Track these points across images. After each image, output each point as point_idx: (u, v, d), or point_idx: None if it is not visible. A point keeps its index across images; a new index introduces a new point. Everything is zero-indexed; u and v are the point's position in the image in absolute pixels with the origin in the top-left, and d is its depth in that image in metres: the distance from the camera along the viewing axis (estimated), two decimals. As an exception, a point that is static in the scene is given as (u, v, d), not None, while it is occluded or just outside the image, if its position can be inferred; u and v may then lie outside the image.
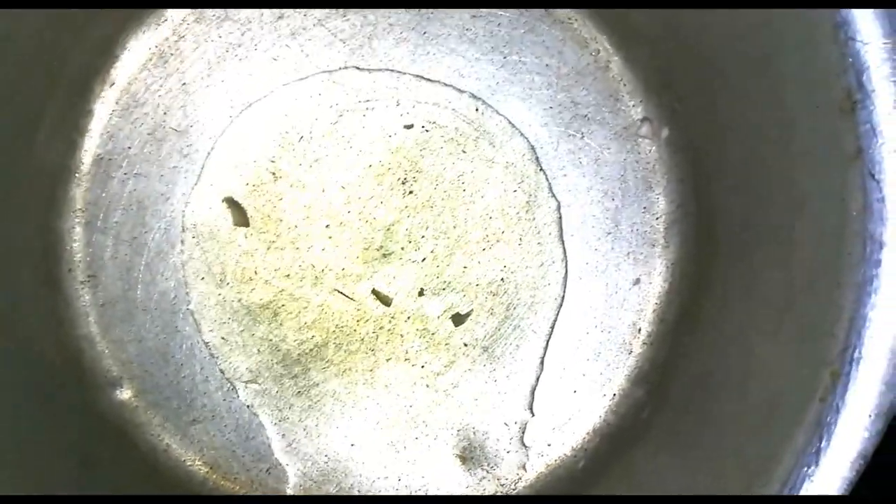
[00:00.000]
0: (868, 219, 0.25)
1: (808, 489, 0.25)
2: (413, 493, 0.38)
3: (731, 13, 0.33)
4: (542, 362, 0.39)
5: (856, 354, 0.24)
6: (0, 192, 0.35)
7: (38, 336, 0.36)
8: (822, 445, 0.24)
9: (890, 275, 0.25)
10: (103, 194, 0.38)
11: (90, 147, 0.38)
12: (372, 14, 0.39)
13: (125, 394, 0.37)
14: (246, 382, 0.38)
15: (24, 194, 0.36)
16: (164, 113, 0.38)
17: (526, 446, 0.39)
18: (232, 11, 0.38)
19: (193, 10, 0.38)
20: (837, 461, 0.24)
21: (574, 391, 0.39)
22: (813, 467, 0.25)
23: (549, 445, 0.39)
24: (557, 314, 0.39)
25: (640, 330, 0.39)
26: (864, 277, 0.25)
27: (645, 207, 0.39)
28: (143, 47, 0.38)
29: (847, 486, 0.24)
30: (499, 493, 0.38)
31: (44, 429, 0.33)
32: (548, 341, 0.39)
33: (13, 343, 0.34)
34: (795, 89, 0.29)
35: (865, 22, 0.25)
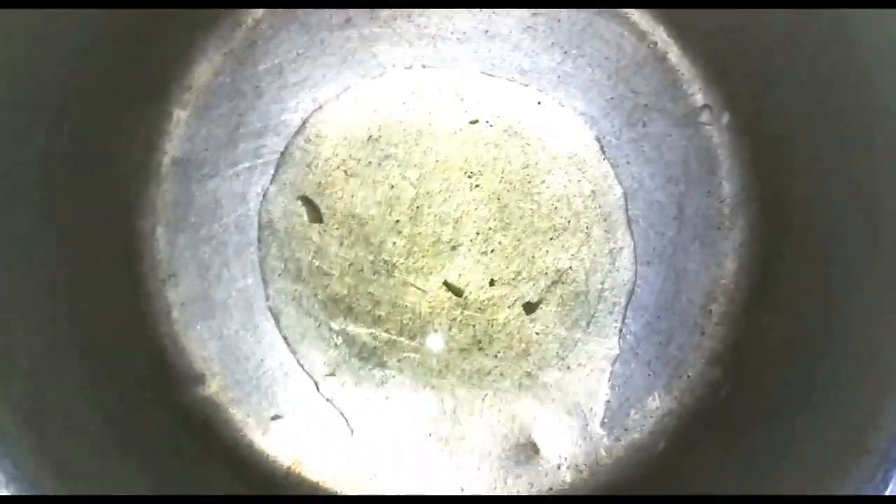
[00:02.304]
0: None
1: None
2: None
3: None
4: (615, 347, 0.39)
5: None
6: (83, 194, 0.36)
7: (123, 335, 0.37)
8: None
9: None
10: (182, 195, 0.39)
11: (169, 149, 0.39)
12: (436, 15, 0.40)
13: (208, 390, 0.38)
14: (324, 376, 0.38)
15: (106, 196, 0.37)
16: (239, 115, 0.39)
17: (603, 432, 0.39)
18: (303, 17, 0.39)
19: (266, 15, 0.39)
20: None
21: (649, 374, 0.39)
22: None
23: (626, 430, 0.39)
24: (629, 300, 0.40)
25: (710, 311, 0.39)
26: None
27: (709, 191, 0.40)
28: (217, 52, 0.39)
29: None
30: (577, 481, 0.38)
31: (138, 424, 0.34)
32: (620, 327, 0.40)
33: (100, 342, 0.35)
34: (872, 61, 0.30)
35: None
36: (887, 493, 0.25)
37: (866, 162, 0.32)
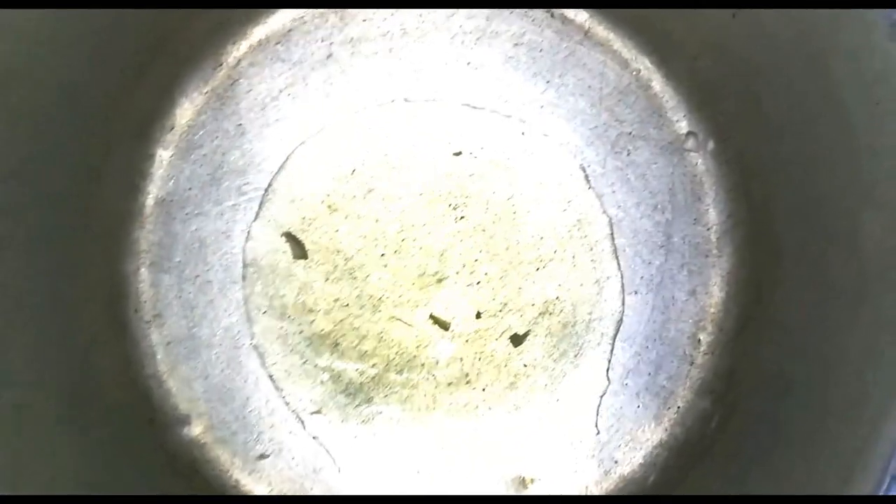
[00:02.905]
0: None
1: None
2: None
3: (777, 22, 0.34)
4: (603, 379, 0.39)
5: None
6: (67, 236, 0.36)
7: (107, 378, 0.37)
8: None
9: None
10: (166, 235, 0.39)
11: (152, 190, 0.39)
12: (418, 48, 0.40)
13: (194, 430, 0.37)
14: (311, 414, 0.38)
15: (89, 238, 0.37)
16: (222, 154, 0.39)
17: (592, 464, 0.38)
18: (284, 54, 0.39)
19: (247, 53, 0.39)
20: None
21: (638, 406, 0.39)
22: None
23: (616, 462, 0.38)
24: (616, 330, 0.39)
25: (699, 340, 0.39)
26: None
27: (695, 219, 0.40)
28: (199, 91, 0.39)
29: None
30: (570, 514, 0.38)
31: (122, 471, 0.34)
32: (609, 357, 0.39)
33: (87, 387, 0.35)
34: (853, 89, 0.30)
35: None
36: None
37: (854, 189, 0.32)
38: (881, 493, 0.26)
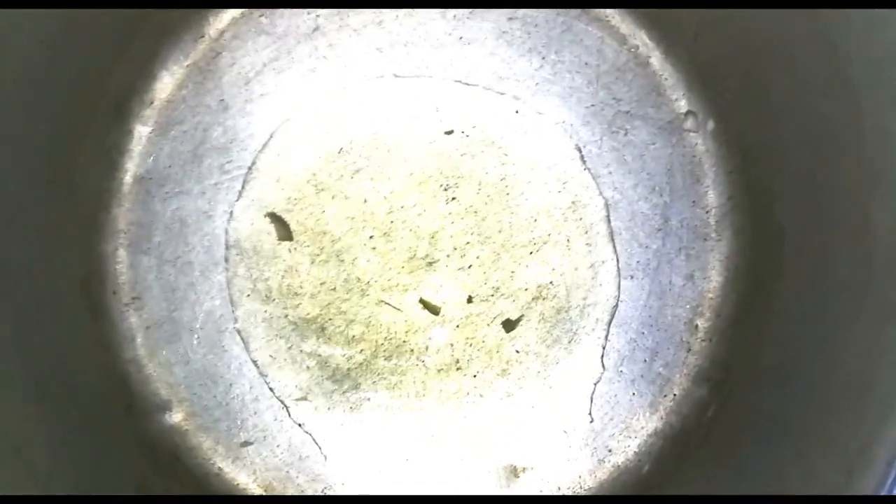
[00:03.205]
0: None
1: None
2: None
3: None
4: (598, 365, 0.38)
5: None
6: (42, 215, 0.34)
7: (85, 363, 0.35)
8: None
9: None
10: (145, 214, 0.37)
11: (131, 167, 0.37)
12: (408, 20, 0.39)
13: (175, 417, 0.36)
14: (296, 400, 0.37)
15: (65, 217, 0.36)
16: (204, 130, 0.38)
17: (586, 453, 0.37)
18: (268, 26, 0.38)
19: (230, 25, 0.37)
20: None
21: (633, 393, 0.38)
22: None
23: (610, 451, 0.37)
24: (612, 315, 0.38)
25: (697, 327, 0.38)
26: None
27: (694, 201, 0.39)
28: (180, 65, 0.38)
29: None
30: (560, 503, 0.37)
31: (98, 458, 0.33)
32: (603, 344, 0.38)
33: (61, 371, 0.34)
34: (862, 69, 0.28)
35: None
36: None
37: (862, 174, 0.31)
38: (884, 493, 0.25)
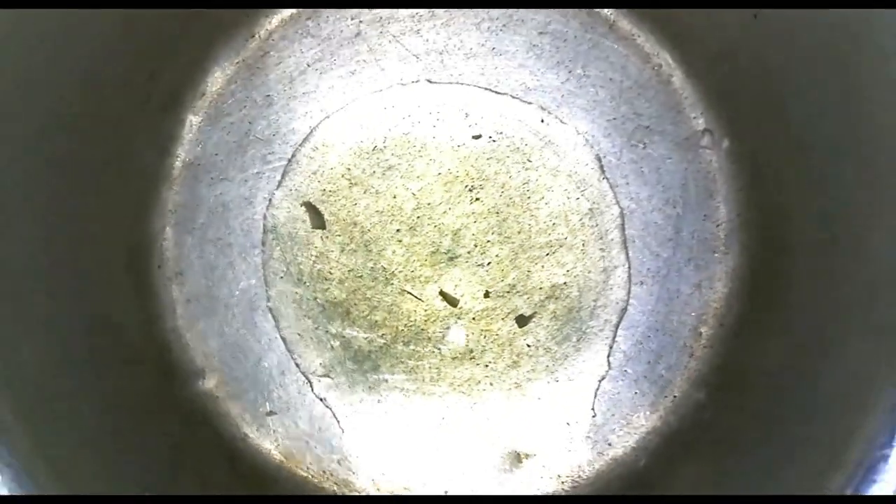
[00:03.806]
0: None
1: (876, 488, 0.25)
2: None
3: (801, 22, 0.34)
4: (604, 364, 0.40)
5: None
6: (99, 194, 0.38)
7: (130, 329, 0.38)
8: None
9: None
10: (192, 197, 0.40)
11: (181, 153, 0.40)
12: (444, 31, 0.41)
13: (208, 384, 0.39)
14: (319, 377, 0.40)
15: (120, 197, 0.39)
16: (250, 122, 0.41)
17: (587, 445, 0.40)
18: (314, 29, 0.41)
19: (279, 26, 0.40)
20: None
21: (635, 392, 0.40)
22: (882, 463, 0.25)
23: (609, 445, 0.40)
24: (620, 318, 0.41)
25: (700, 334, 0.40)
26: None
27: (706, 215, 0.41)
28: (231, 62, 0.41)
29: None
30: (559, 491, 0.39)
31: (138, 417, 0.36)
32: (610, 344, 0.40)
33: (108, 335, 0.37)
34: (876, 95, 0.30)
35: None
36: None
37: (864, 196, 0.32)
38: (850, 493, 0.27)
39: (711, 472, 0.36)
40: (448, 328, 0.40)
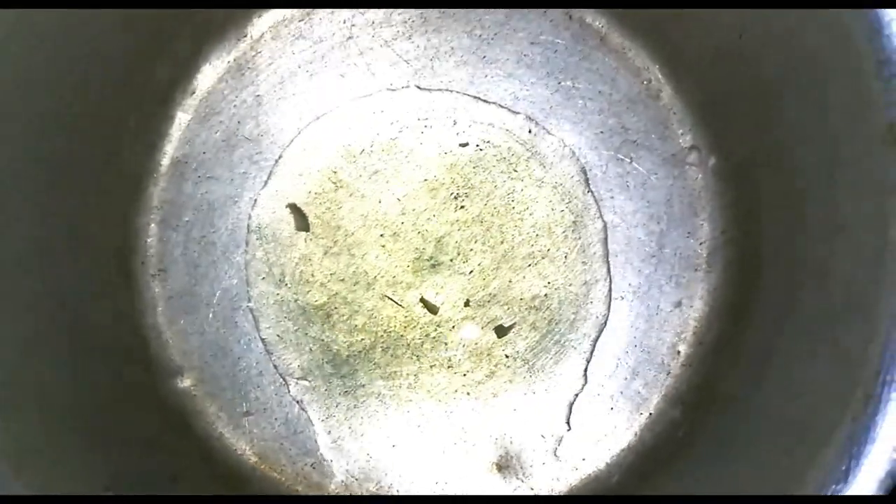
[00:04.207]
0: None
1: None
2: (448, 495, 0.40)
3: (782, 46, 0.34)
4: (581, 378, 0.40)
5: (888, 378, 0.25)
6: (85, 189, 0.38)
7: (109, 323, 0.39)
8: (852, 464, 0.25)
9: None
10: (178, 194, 0.41)
11: (169, 150, 0.41)
12: (436, 37, 0.41)
13: (185, 382, 0.40)
14: (297, 379, 0.40)
15: (106, 192, 0.39)
16: (238, 122, 0.41)
17: (561, 459, 0.40)
18: (306, 31, 0.41)
19: (270, 27, 0.41)
20: (866, 478, 0.25)
21: (611, 408, 0.40)
22: (842, 484, 0.25)
23: (583, 460, 0.40)
24: (599, 332, 0.41)
25: (679, 352, 0.40)
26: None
27: (689, 232, 0.41)
28: (222, 61, 0.41)
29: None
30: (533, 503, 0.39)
31: (118, 409, 0.36)
32: (588, 358, 0.40)
33: (88, 329, 0.37)
34: (841, 122, 0.30)
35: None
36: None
37: (826, 217, 0.32)
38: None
39: (684, 487, 0.36)
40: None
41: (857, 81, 0.29)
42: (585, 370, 0.40)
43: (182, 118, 0.41)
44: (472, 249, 0.41)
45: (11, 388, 0.31)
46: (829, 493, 0.26)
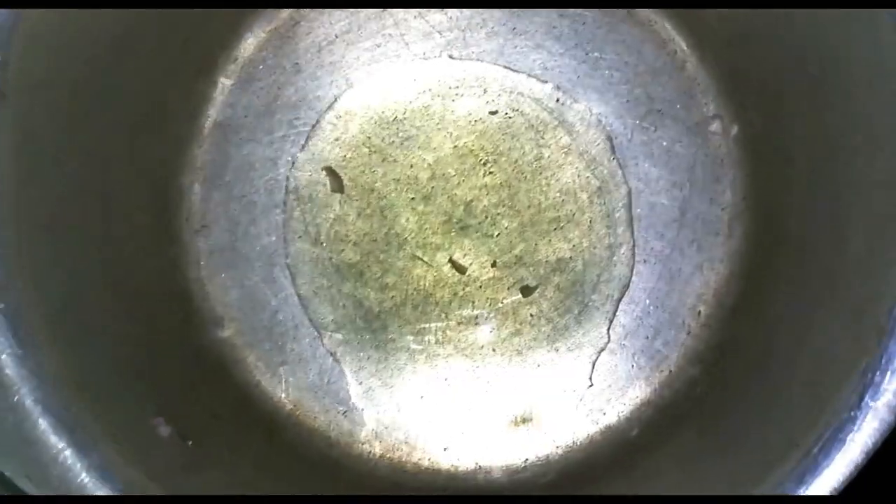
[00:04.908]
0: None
1: (850, 439, 0.27)
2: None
3: (803, 19, 0.35)
4: (604, 337, 0.42)
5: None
6: (133, 149, 0.40)
7: (156, 276, 0.41)
8: (867, 395, 0.27)
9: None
10: (220, 156, 0.43)
11: (212, 113, 0.43)
12: (468, 10, 0.43)
13: (226, 332, 0.42)
14: (331, 332, 0.42)
15: (152, 152, 0.41)
16: (278, 88, 0.43)
17: (582, 413, 0.41)
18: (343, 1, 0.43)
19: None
20: (879, 409, 0.27)
21: (632, 366, 0.41)
22: (856, 410, 0.27)
23: (604, 414, 0.41)
24: (622, 294, 0.42)
25: (699, 313, 0.41)
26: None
27: (711, 198, 0.42)
28: (263, 30, 0.43)
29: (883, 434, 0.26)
30: (553, 455, 0.41)
31: (159, 353, 0.38)
32: (611, 318, 0.42)
33: (136, 281, 0.39)
34: (860, 89, 0.31)
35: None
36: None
37: (865, 193, 0.33)
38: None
39: (700, 443, 0.38)
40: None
41: (878, 49, 0.30)
42: (608, 329, 0.42)
43: (225, 83, 0.43)
44: (499, 213, 0.43)
45: (74, 325, 0.33)
46: (843, 420, 0.27)
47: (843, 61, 0.32)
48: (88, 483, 0.27)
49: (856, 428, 0.27)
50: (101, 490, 0.27)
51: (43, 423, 0.28)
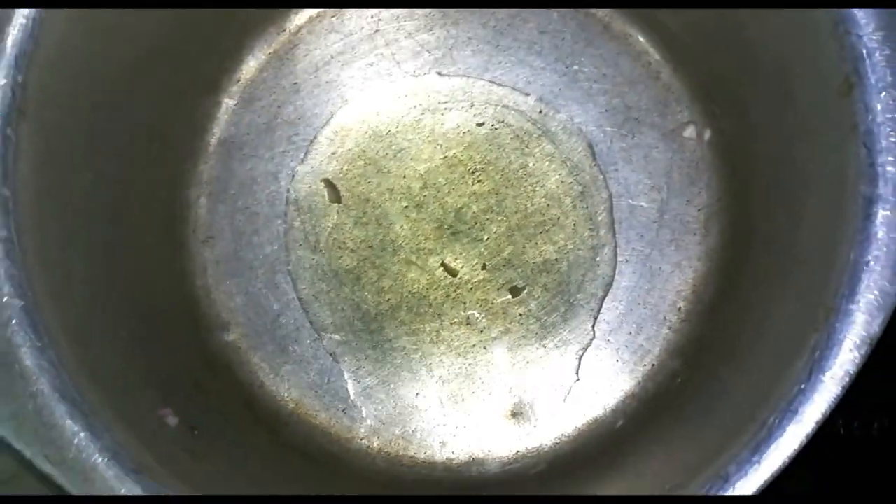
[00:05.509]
0: (861, 181, 0.30)
1: (802, 407, 0.29)
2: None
3: (756, 29, 0.38)
4: (589, 333, 0.44)
5: (845, 292, 0.29)
6: (143, 164, 0.43)
7: (165, 284, 0.43)
8: (816, 369, 0.29)
9: (881, 225, 0.29)
10: (224, 171, 0.45)
11: (217, 131, 0.46)
12: (454, 29, 0.46)
13: (231, 336, 0.44)
14: (330, 334, 0.44)
15: (161, 168, 0.44)
16: (278, 106, 0.46)
17: (570, 406, 0.43)
18: (338, 26, 0.46)
19: (307, 22, 0.46)
20: (827, 382, 0.28)
21: (616, 360, 0.43)
22: (806, 384, 0.29)
23: (590, 407, 0.43)
24: (605, 292, 0.44)
25: (679, 308, 0.43)
26: (858, 229, 0.29)
27: (688, 200, 0.44)
28: (263, 52, 0.46)
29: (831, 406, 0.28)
30: (543, 447, 0.43)
31: (168, 360, 0.41)
32: (595, 315, 0.44)
33: (145, 291, 0.42)
34: (805, 84, 0.34)
35: (859, 18, 0.30)
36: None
37: (816, 191, 0.36)
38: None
39: (681, 434, 0.39)
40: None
41: (816, 46, 0.33)
42: (593, 326, 0.44)
43: (228, 103, 0.46)
44: (488, 219, 0.45)
45: (89, 327, 0.35)
46: (795, 391, 0.29)
47: (790, 64, 0.35)
48: (101, 463, 0.30)
49: (807, 400, 0.29)
50: (112, 470, 0.30)
51: (60, 410, 0.30)
